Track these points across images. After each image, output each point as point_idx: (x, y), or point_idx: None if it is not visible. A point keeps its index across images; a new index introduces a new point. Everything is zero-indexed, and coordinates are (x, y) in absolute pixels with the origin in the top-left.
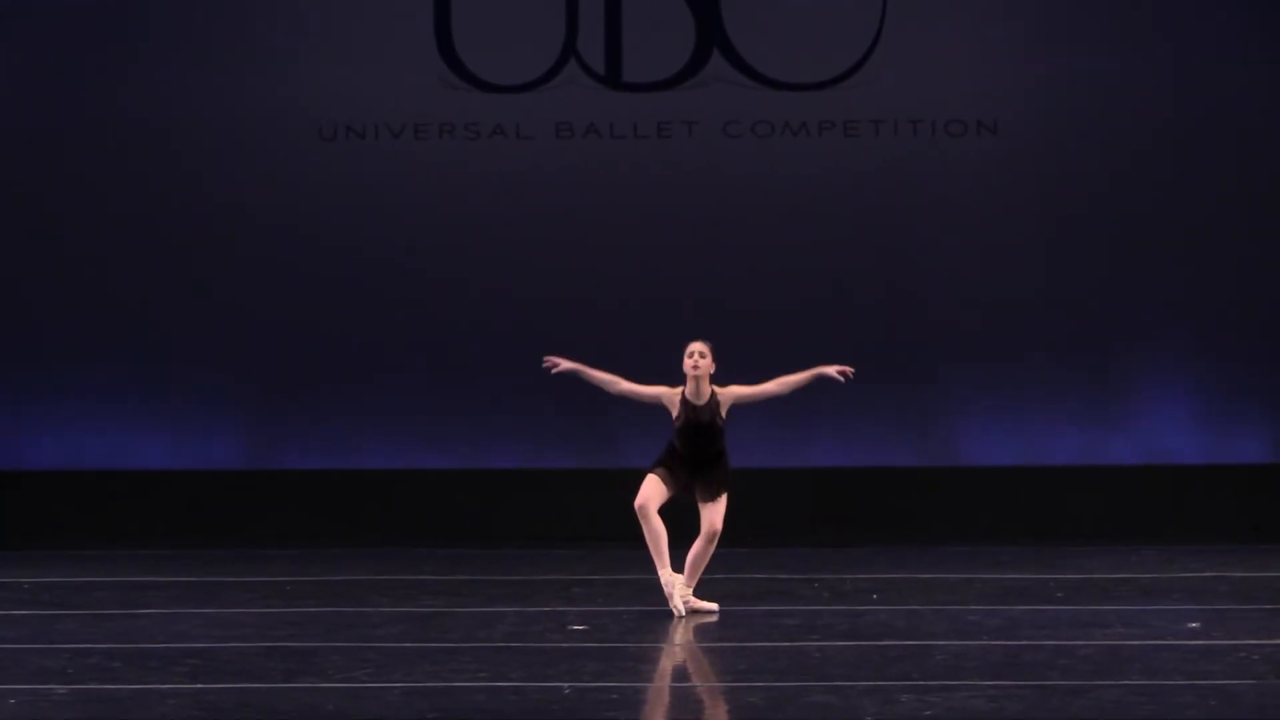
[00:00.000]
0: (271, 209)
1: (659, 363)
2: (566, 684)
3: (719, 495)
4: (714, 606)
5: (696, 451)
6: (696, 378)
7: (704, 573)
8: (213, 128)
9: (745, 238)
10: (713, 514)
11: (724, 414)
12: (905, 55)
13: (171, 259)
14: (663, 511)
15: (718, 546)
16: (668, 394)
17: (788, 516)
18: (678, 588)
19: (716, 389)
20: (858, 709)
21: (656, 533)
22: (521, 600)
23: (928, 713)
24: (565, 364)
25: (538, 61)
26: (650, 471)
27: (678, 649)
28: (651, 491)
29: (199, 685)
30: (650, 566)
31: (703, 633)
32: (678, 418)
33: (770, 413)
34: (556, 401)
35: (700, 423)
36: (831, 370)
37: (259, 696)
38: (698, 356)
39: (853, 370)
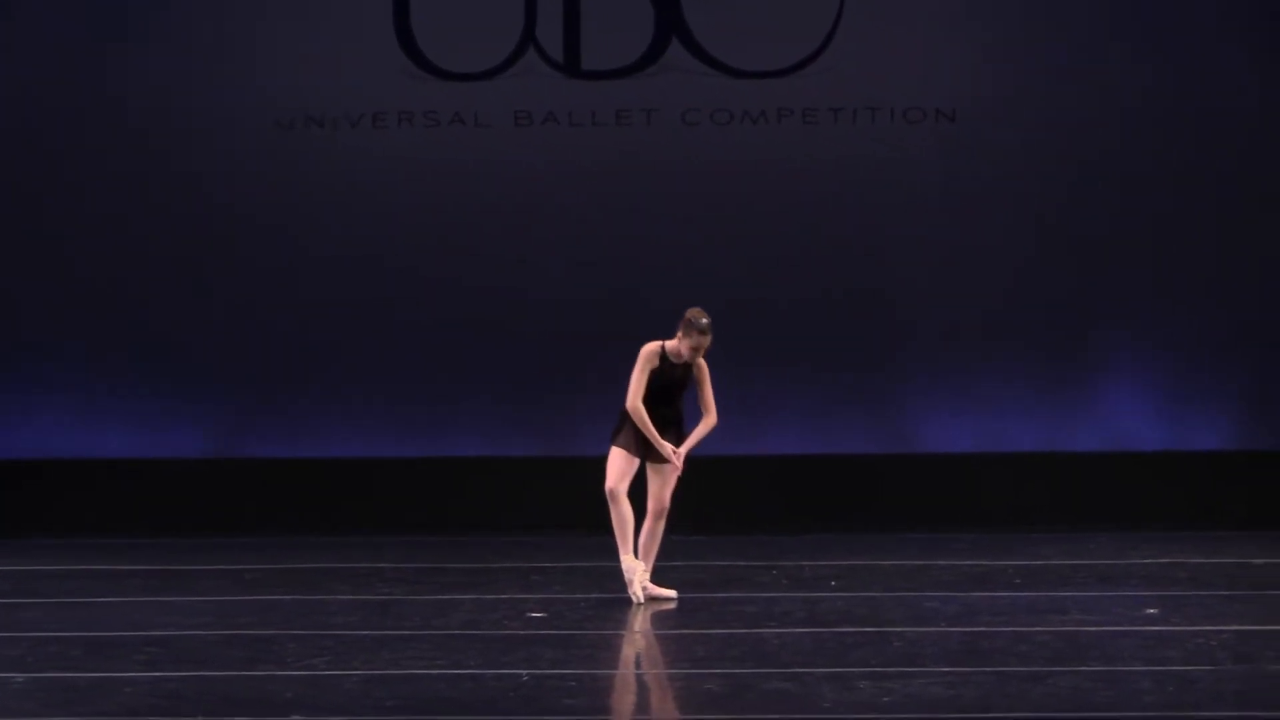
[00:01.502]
0: (230, 198)
1: (617, 350)
2: (524, 671)
3: (667, 458)
4: (672, 593)
5: (660, 406)
6: (691, 357)
7: (662, 559)
8: (170, 116)
9: (704, 226)
10: (662, 487)
11: (692, 376)
12: (864, 43)
13: (131, 248)
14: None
15: (678, 534)
16: (650, 356)
17: (746, 504)
18: (638, 574)
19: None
20: (816, 696)
21: (625, 518)
22: (479, 588)
23: (886, 699)
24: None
25: (496, 49)
26: (613, 446)
27: (636, 636)
28: (622, 469)
29: (158, 673)
30: (609, 552)
31: (661, 620)
32: (654, 375)
33: (729, 400)
34: (515, 389)
35: (673, 380)
36: (680, 454)
37: (218, 684)
38: (703, 352)
39: (673, 459)
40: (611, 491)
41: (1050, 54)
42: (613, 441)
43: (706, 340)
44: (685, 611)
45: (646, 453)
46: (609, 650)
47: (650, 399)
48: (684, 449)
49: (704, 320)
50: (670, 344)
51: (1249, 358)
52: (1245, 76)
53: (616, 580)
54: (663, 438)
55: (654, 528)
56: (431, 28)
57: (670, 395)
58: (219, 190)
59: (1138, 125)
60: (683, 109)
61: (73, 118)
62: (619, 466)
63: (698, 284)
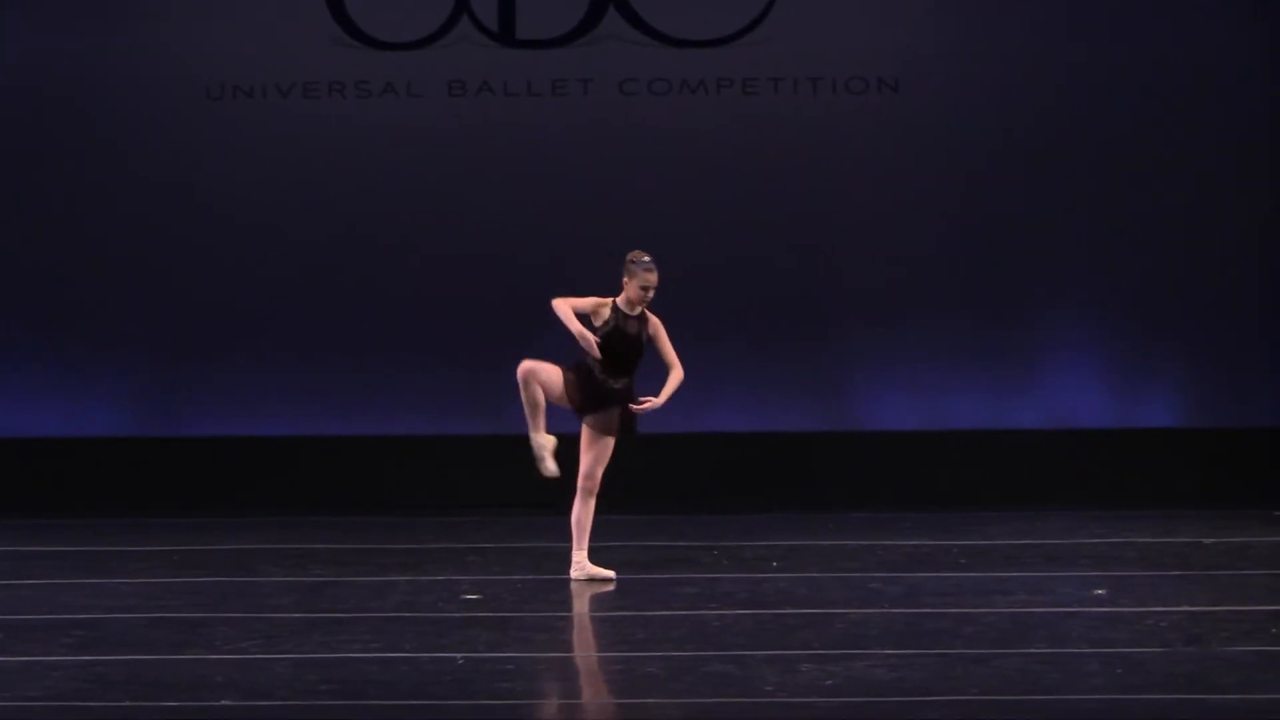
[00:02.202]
0: (157, 169)
1: (549, 318)
2: (460, 655)
3: (610, 430)
4: (611, 574)
5: (615, 362)
6: (642, 304)
7: (600, 539)
8: (94, 85)
9: (641, 197)
10: (595, 462)
11: (649, 335)
12: (805, 11)
13: (54, 220)
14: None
15: (616, 513)
16: (601, 304)
17: (686, 482)
18: (549, 450)
19: (646, 310)
20: (757, 679)
21: (534, 400)
22: (414, 569)
23: (829, 682)
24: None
25: (429, 18)
26: (562, 369)
27: (574, 618)
28: (549, 374)
29: (86, 657)
30: (547, 532)
31: (599, 602)
32: (605, 324)
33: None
34: (451, 366)
35: (628, 333)
36: (651, 401)
37: (147, 668)
38: (653, 292)
39: (646, 408)
40: (527, 372)
41: (997, 22)
42: (579, 415)
43: (654, 276)
44: (624, 593)
45: (587, 410)
46: (547, 633)
47: (610, 363)
48: (660, 399)
49: (646, 258)
50: (620, 298)
51: (1199, 331)
52: (1189, 45)
53: (555, 561)
54: (611, 401)
55: (585, 506)
56: None
57: (627, 359)
58: (145, 162)
59: (1083, 95)
60: (620, 79)
61: None
62: (549, 371)
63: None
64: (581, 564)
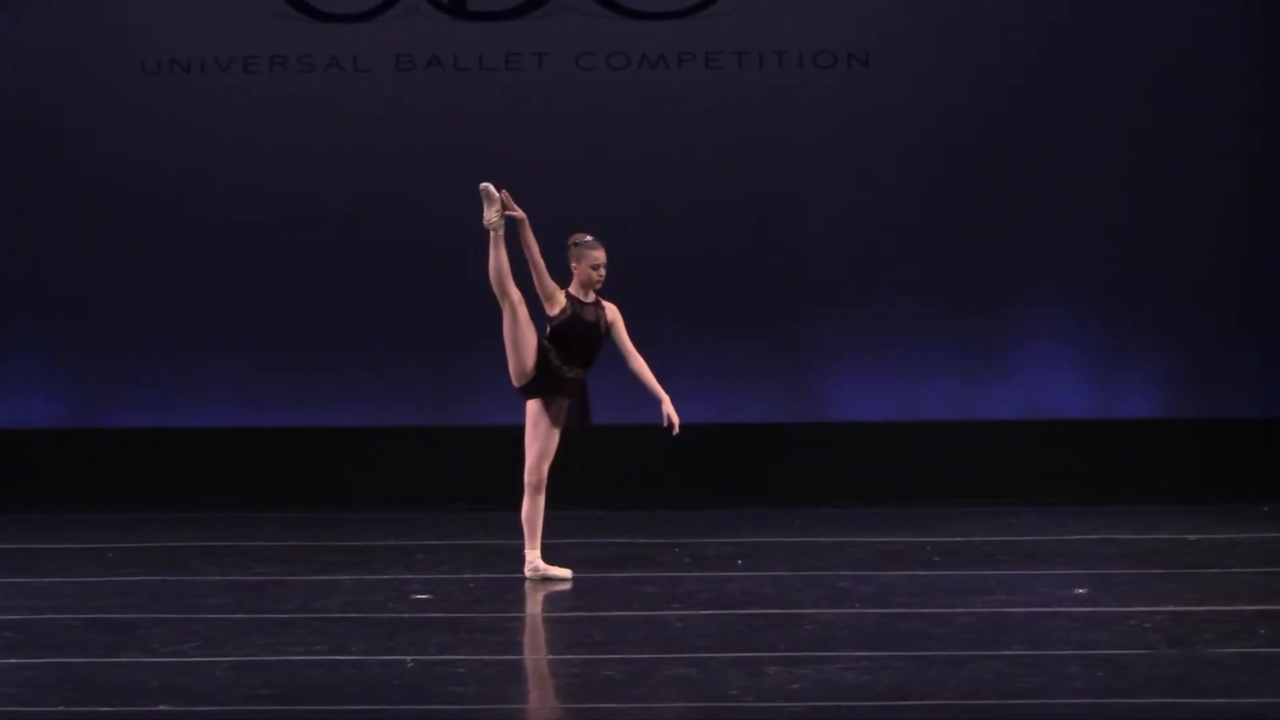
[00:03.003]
0: (90, 147)
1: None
2: (409, 657)
3: (559, 422)
4: (567, 573)
5: (576, 351)
6: (595, 285)
7: (557, 536)
8: (21, 58)
9: (599, 176)
10: (539, 454)
11: (607, 322)
12: None
13: None
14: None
15: (573, 509)
16: (558, 291)
17: (646, 477)
18: (541, 571)
19: (602, 299)
20: (722, 682)
21: (538, 511)
22: (360, 568)
23: (796, 685)
24: (518, 212)
25: None
26: (529, 400)
27: (528, 619)
28: (544, 445)
29: (14, 660)
30: (499, 529)
31: (555, 602)
32: (562, 312)
33: (626, 367)
34: (398, 354)
35: (586, 320)
36: (667, 408)
37: (79, 672)
38: (602, 268)
39: (678, 428)
40: (532, 483)
41: None
42: (524, 393)
43: (601, 254)
44: (581, 593)
45: (539, 393)
46: (500, 635)
47: (565, 343)
48: (666, 401)
49: (588, 237)
50: (572, 285)
51: (1180, 319)
52: (1171, 25)
53: (507, 560)
54: (561, 391)
55: (534, 503)
56: None
57: (586, 348)
58: (76, 140)
59: (1062, 72)
60: (577, 53)
61: None
62: (541, 441)
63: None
64: (535, 563)
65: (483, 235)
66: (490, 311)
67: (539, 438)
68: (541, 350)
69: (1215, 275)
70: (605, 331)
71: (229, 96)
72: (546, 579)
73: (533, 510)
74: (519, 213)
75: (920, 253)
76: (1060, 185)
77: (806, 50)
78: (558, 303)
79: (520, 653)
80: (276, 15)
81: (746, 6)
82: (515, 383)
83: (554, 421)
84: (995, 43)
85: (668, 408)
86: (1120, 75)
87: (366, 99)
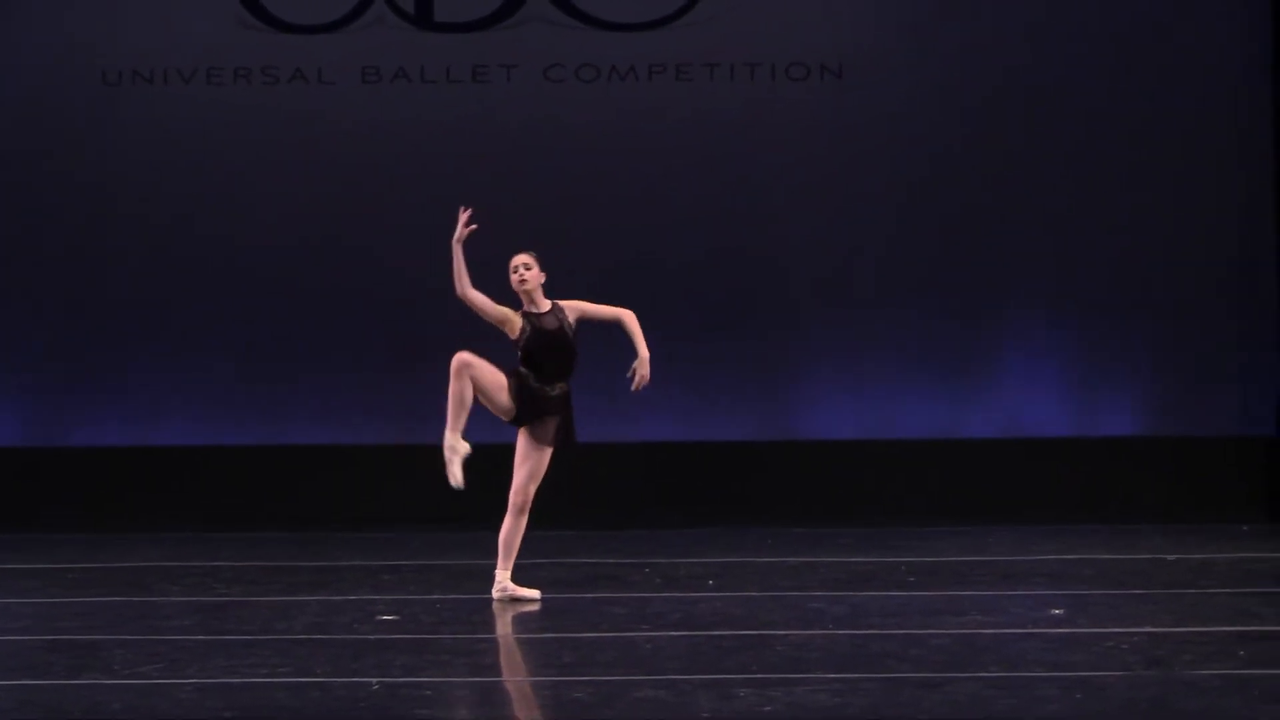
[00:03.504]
0: (49, 159)
1: (475, 326)
2: (375, 679)
3: (547, 440)
4: (535, 594)
5: (550, 365)
6: (527, 291)
7: (525, 556)
8: None
9: (568, 190)
10: (530, 478)
11: (571, 323)
12: None
13: None
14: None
15: (541, 529)
16: (510, 314)
17: (616, 496)
18: (460, 455)
19: (557, 301)
20: (692, 704)
21: (463, 396)
22: (325, 588)
23: (768, 708)
24: (464, 232)
25: None
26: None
27: (496, 640)
28: (489, 375)
29: None
30: (467, 549)
31: (523, 623)
32: (521, 333)
33: (594, 381)
34: (363, 372)
35: (548, 330)
36: (644, 367)
37: (40, 694)
38: (523, 270)
39: (645, 382)
40: (461, 365)
41: (943, 5)
42: (516, 424)
43: (518, 257)
44: (550, 614)
45: (525, 419)
46: (467, 656)
47: (532, 362)
48: (644, 353)
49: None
50: (523, 303)
51: (1157, 335)
52: (1156, 33)
53: (475, 580)
54: (548, 411)
55: (516, 524)
56: None
57: (560, 360)
58: (36, 152)
59: (1042, 84)
60: (545, 65)
61: None
62: (491, 374)
63: (562, 253)
64: (504, 583)
65: (449, 250)
66: (460, 327)
67: (529, 458)
68: (518, 379)
69: (1195, 294)
70: (573, 333)
71: (192, 108)
72: (515, 599)
73: (513, 531)
74: (463, 233)
75: (896, 267)
76: (1039, 201)
77: (779, 62)
78: (514, 325)
79: (488, 675)
80: (240, 25)
81: (718, 18)
82: (504, 419)
83: (542, 441)
84: (969, 54)
85: (642, 367)
86: (1100, 89)
87: (332, 111)
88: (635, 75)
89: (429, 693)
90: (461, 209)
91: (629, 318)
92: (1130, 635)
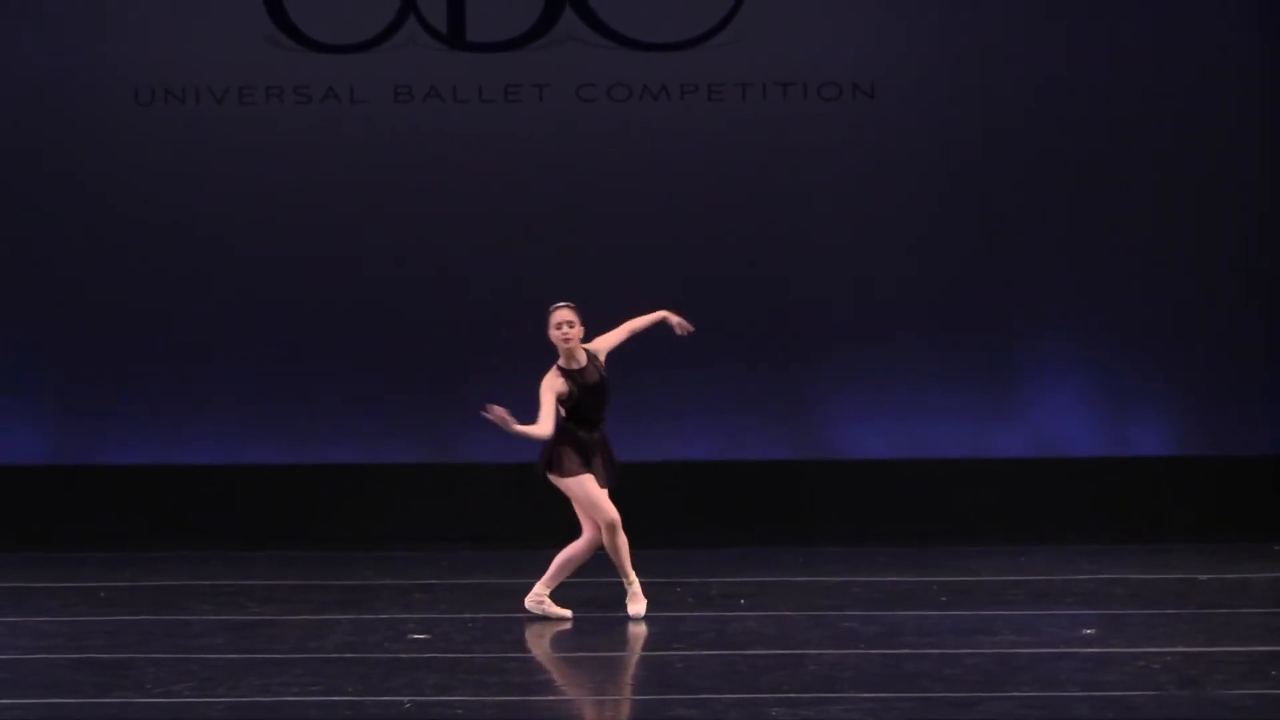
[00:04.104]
0: (81, 177)
1: (504, 346)
2: (407, 698)
3: (604, 481)
4: (567, 613)
5: (596, 414)
6: (569, 350)
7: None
8: (14, 87)
9: (599, 208)
10: (604, 498)
11: (603, 364)
12: (775, 12)
13: None
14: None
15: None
16: (561, 391)
17: (649, 515)
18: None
19: (586, 347)
20: None
21: (623, 546)
22: (356, 607)
23: None
24: (501, 414)
25: (374, 19)
26: (567, 478)
27: (528, 660)
28: (607, 500)
29: (5, 700)
30: (496, 567)
31: (555, 642)
32: (570, 396)
33: (630, 401)
34: (394, 392)
35: (591, 384)
36: (674, 318)
37: (70, 712)
38: (566, 328)
39: (692, 328)
40: (614, 524)
41: (977, 25)
42: (563, 473)
43: (560, 313)
44: (582, 633)
45: (601, 475)
46: (498, 675)
47: (579, 415)
48: (664, 315)
49: (554, 304)
50: (560, 360)
51: (1192, 355)
52: (1181, 52)
53: (506, 599)
54: (592, 457)
55: (589, 549)
56: None
57: (598, 403)
58: (68, 170)
59: (1069, 103)
60: (577, 84)
61: None
62: (603, 495)
63: (592, 274)
64: (541, 598)
65: (481, 267)
66: (489, 346)
67: (593, 494)
68: (572, 441)
69: (1228, 312)
70: (606, 385)
71: (224, 127)
72: (547, 617)
73: (617, 550)
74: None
75: (929, 286)
76: (1070, 219)
77: (811, 82)
78: (561, 389)
79: (519, 694)
80: (273, 45)
81: (750, 38)
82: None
83: (598, 480)
84: (1001, 74)
85: (673, 318)
86: (1129, 108)
87: (364, 131)
88: (668, 95)
89: (460, 712)
90: (484, 409)
91: (633, 323)
92: (1163, 655)
